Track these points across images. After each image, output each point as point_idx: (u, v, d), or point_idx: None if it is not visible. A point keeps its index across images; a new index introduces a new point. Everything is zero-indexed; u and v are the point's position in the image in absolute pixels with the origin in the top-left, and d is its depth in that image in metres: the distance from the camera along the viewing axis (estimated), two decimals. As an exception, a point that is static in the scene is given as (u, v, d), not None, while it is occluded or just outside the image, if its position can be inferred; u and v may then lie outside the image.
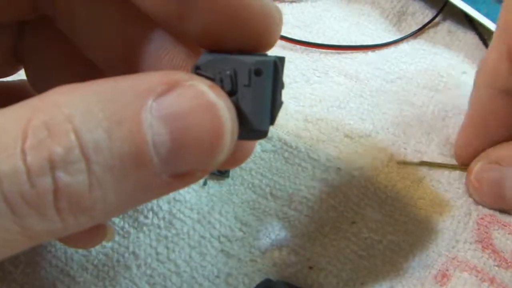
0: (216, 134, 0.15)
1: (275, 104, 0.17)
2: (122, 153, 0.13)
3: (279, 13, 0.18)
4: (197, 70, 0.17)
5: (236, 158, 0.20)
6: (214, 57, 0.17)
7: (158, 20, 0.18)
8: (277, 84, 0.16)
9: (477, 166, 0.28)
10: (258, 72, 0.16)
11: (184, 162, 0.15)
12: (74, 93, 0.14)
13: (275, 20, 0.17)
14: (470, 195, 0.29)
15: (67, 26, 0.21)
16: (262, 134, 0.17)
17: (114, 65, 0.21)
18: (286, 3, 0.40)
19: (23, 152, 0.13)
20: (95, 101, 0.14)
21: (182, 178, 0.15)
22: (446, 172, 0.30)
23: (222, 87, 0.16)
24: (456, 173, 0.30)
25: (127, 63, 0.20)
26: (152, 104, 0.14)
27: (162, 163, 0.14)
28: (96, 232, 0.24)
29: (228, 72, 0.16)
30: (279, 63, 0.17)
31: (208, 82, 0.15)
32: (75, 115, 0.13)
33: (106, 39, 0.20)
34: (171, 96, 0.14)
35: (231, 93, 0.16)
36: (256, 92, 0.16)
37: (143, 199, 0.15)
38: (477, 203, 0.29)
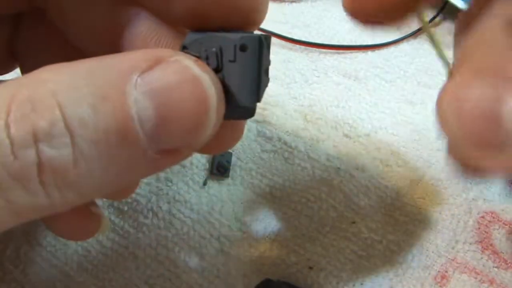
0: (202, 107, 0.15)
1: (261, 81, 0.17)
2: (107, 128, 0.13)
3: None
4: (184, 50, 0.17)
5: (224, 140, 0.20)
6: (201, 36, 0.17)
7: (144, 2, 0.18)
8: (262, 60, 0.16)
9: (457, 78, 0.15)
10: (243, 48, 0.16)
11: (169, 137, 0.15)
12: (59, 71, 0.14)
13: None
14: (444, 124, 0.16)
15: (57, 15, 0.21)
16: (249, 112, 0.17)
17: (103, 53, 0.21)
18: (286, 3, 0.40)
19: (7, 125, 0.13)
20: (80, 78, 0.14)
21: (168, 154, 0.15)
22: (445, 167, 0.30)
23: (208, 65, 0.16)
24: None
25: (116, 48, 0.20)
26: (137, 79, 0.14)
27: (147, 139, 0.14)
28: (89, 222, 0.23)
29: (214, 49, 0.16)
30: (264, 40, 0.17)
31: (193, 57, 0.15)
32: (60, 90, 0.13)
33: (94, 24, 0.20)
34: (156, 72, 0.14)
35: (217, 70, 0.16)
36: (241, 67, 0.16)
37: (130, 175, 0.15)
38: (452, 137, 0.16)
